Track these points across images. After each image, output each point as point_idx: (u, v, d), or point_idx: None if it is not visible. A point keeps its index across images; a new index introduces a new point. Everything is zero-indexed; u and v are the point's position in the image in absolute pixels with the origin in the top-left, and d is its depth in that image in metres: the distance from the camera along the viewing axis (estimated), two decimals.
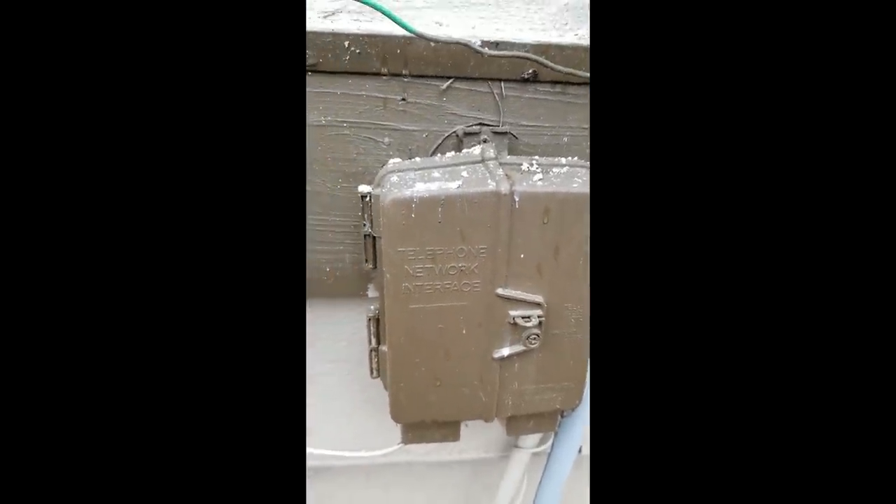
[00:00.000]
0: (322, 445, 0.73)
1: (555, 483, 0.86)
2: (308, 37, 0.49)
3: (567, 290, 0.51)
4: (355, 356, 0.72)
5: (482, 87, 0.53)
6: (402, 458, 0.92)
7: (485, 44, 0.50)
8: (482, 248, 0.48)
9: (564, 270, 0.50)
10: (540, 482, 0.87)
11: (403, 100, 0.53)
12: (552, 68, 0.51)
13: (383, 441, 0.72)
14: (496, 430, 0.90)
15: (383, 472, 0.96)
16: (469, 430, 0.89)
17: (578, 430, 0.80)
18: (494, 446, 0.93)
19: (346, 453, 0.70)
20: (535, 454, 0.89)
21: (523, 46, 0.51)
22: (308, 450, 0.71)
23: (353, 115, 0.53)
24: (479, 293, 0.50)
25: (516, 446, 0.87)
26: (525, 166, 0.50)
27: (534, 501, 0.89)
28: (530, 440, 0.85)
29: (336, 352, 0.71)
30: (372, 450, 0.74)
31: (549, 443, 0.84)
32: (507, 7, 0.54)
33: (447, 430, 0.62)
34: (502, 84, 0.53)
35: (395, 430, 0.64)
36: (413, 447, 0.89)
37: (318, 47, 0.49)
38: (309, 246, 0.59)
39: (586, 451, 0.95)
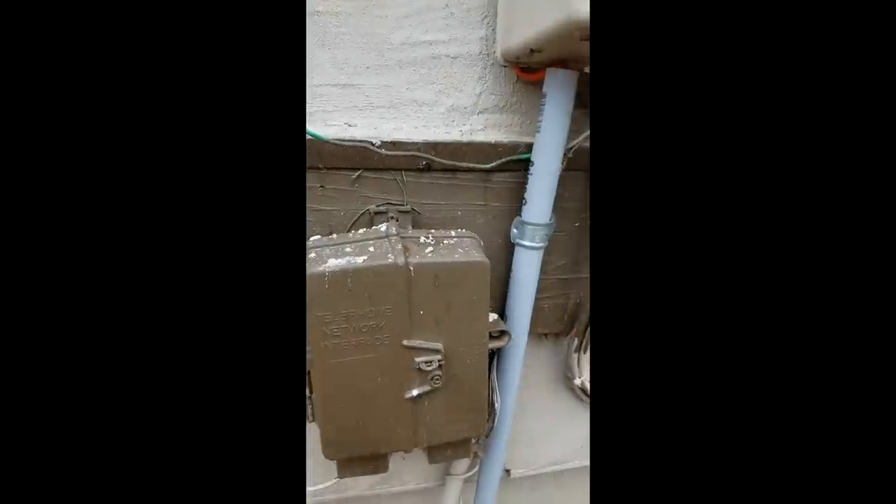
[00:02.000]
0: None
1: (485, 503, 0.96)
2: None
3: (461, 337, 0.63)
4: None
5: (387, 175, 0.66)
6: (351, 493, 0.98)
7: (384, 144, 0.63)
8: (388, 308, 0.59)
9: (457, 321, 0.62)
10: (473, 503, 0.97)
11: (322, 186, 0.65)
12: (441, 162, 0.64)
13: (324, 478, 0.80)
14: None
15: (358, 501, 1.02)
16: (408, 462, 0.97)
17: (501, 455, 0.90)
18: (432, 476, 1.01)
19: None
20: (467, 481, 0.99)
21: (415, 145, 0.64)
22: None
23: None
24: (389, 345, 0.60)
25: (449, 474, 0.96)
26: (422, 239, 0.62)
27: None
28: (460, 467, 0.94)
29: None
30: (314, 486, 0.81)
31: (476, 469, 0.94)
32: (404, 109, 0.67)
33: (376, 462, 0.71)
34: (403, 172, 0.66)
35: (332, 467, 0.72)
36: (358, 484, 0.97)
37: None
38: None
39: (516, 473, 1.05)
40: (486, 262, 0.60)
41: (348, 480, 0.94)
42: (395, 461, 0.96)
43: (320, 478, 0.80)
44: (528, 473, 1.05)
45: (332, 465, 0.71)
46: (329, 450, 0.65)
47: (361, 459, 0.70)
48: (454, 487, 0.96)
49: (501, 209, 0.71)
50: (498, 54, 0.64)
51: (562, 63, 0.60)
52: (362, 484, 0.97)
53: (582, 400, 0.96)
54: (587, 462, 1.09)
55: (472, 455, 0.84)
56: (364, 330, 0.59)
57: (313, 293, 0.56)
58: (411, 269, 0.58)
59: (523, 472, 1.05)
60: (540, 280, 0.72)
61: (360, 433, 0.64)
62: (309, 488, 0.79)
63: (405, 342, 0.60)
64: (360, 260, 0.57)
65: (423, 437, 0.67)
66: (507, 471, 1.04)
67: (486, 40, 0.65)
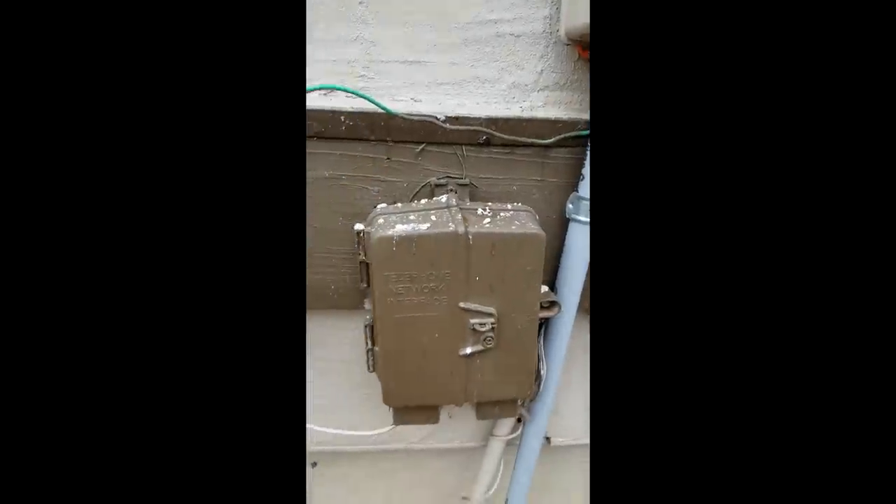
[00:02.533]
0: (326, 427, 0.88)
1: (525, 467, 1.01)
2: (312, 112, 0.66)
3: (513, 303, 0.67)
4: (356, 356, 0.88)
5: (448, 150, 0.70)
6: (400, 445, 1.07)
7: (447, 119, 0.67)
8: (447, 273, 0.64)
9: (510, 289, 0.66)
10: (514, 467, 1.02)
11: (388, 159, 0.70)
12: (501, 137, 0.68)
13: (380, 425, 0.88)
14: (478, 423, 1.06)
15: (384, 457, 1.11)
16: (454, 421, 1.04)
17: (543, 421, 0.95)
18: (477, 437, 1.08)
19: (349, 432, 0.86)
20: (509, 444, 1.04)
21: (478, 120, 0.68)
22: (318, 428, 0.86)
23: (350, 170, 0.70)
24: (446, 306, 0.66)
25: (492, 435, 1.02)
26: (480, 211, 0.66)
27: (510, 483, 1.04)
28: (504, 429, 1.00)
29: (339, 352, 0.87)
30: (372, 430, 0.90)
31: (520, 432, 0.99)
32: (467, 86, 0.70)
33: (428, 413, 0.77)
34: (463, 147, 0.70)
35: (389, 416, 0.80)
36: (409, 436, 1.05)
37: (319, 119, 0.66)
38: (318, 270, 0.75)
39: (556, 441, 1.09)
40: (542, 235, 0.64)
41: (399, 434, 1.02)
42: (441, 420, 1.03)
43: (379, 424, 0.88)
44: (567, 443, 1.09)
45: (388, 414, 0.78)
46: (389, 398, 0.72)
47: (416, 409, 0.76)
48: (496, 448, 1.02)
49: (558, 185, 0.73)
50: (561, 32, 0.66)
51: None
52: (411, 437, 1.05)
53: None
54: None
55: (517, 417, 0.89)
56: (425, 290, 0.65)
57: (382, 254, 0.62)
58: (470, 237, 0.62)
59: (562, 441, 1.09)
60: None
61: (418, 384, 0.71)
62: (366, 433, 0.87)
63: (461, 304, 0.65)
64: (423, 227, 0.62)
65: (473, 393, 0.73)
66: (548, 438, 1.09)
67: (550, 19, 0.67)
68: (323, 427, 0.87)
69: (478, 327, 0.67)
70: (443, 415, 0.99)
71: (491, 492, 1.08)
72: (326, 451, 1.05)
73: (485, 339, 0.67)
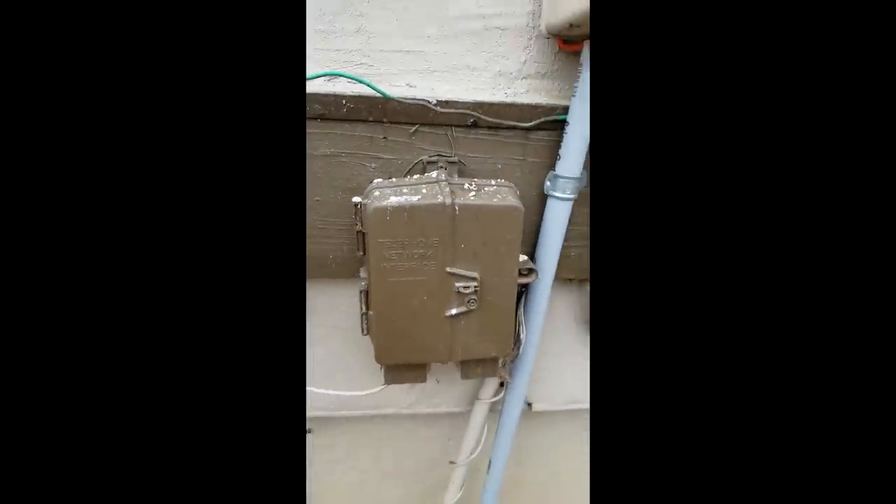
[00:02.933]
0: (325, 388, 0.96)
1: (507, 429, 1.09)
2: (316, 97, 0.73)
3: (494, 269, 0.75)
4: (351, 323, 0.95)
5: (440, 131, 0.77)
6: (390, 410, 1.15)
7: (439, 102, 0.74)
8: (435, 240, 0.71)
9: (492, 256, 0.74)
10: (497, 428, 1.11)
11: (384, 138, 0.77)
12: (486, 120, 0.75)
13: (372, 387, 0.95)
14: (463, 388, 1.14)
15: (373, 424, 1.19)
16: (442, 386, 1.12)
17: (524, 385, 1.03)
18: (462, 402, 1.16)
19: (343, 392, 0.94)
20: (492, 411, 1.12)
21: (467, 104, 0.75)
22: (315, 390, 0.94)
23: (350, 147, 0.77)
24: (434, 271, 0.73)
25: (477, 399, 1.11)
26: (466, 185, 0.74)
27: (493, 445, 1.12)
28: (488, 392, 1.08)
29: (335, 319, 0.95)
30: (364, 391, 0.97)
31: (502, 395, 1.07)
32: (457, 73, 0.77)
33: (416, 372, 0.85)
34: (453, 129, 0.77)
35: (380, 377, 0.87)
36: (399, 401, 1.13)
37: (323, 103, 0.73)
38: (318, 240, 0.82)
39: (537, 407, 1.18)
40: (521, 207, 0.71)
41: (389, 399, 1.10)
42: (430, 385, 1.11)
43: (367, 384, 0.96)
44: (547, 409, 1.18)
45: (380, 377, 0.86)
46: (381, 356, 0.80)
47: (406, 368, 0.84)
48: (481, 411, 1.11)
49: (538, 164, 0.81)
50: (542, 27, 0.73)
51: None
52: (401, 403, 1.13)
53: None
54: None
55: (499, 378, 0.97)
56: (415, 256, 0.72)
57: (377, 223, 0.69)
58: (456, 208, 0.70)
59: (543, 407, 1.17)
60: (568, 230, 0.83)
61: (407, 343, 0.78)
62: (359, 392, 0.95)
63: (448, 269, 0.73)
64: (415, 199, 0.70)
65: (458, 352, 0.81)
66: (529, 404, 1.17)
67: (533, 14, 0.74)
68: (321, 389, 0.95)
69: (462, 290, 0.74)
70: (430, 380, 1.07)
71: (474, 455, 1.16)
72: (319, 417, 1.13)
73: (468, 301, 0.75)
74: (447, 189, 0.71)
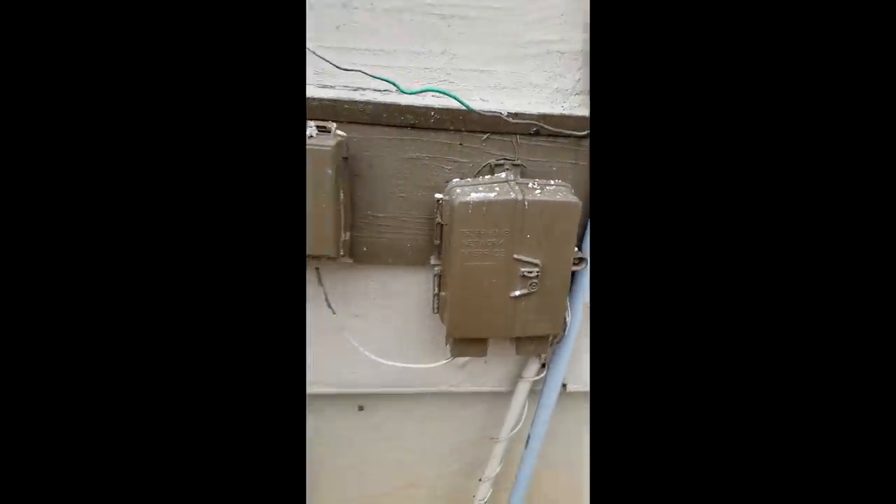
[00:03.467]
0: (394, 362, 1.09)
1: (546, 406, 1.22)
2: (410, 108, 0.86)
3: (553, 257, 0.88)
4: (418, 304, 1.08)
5: (506, 138, 0.91)
6: (443, 387, 1.27)
7: (510, 114, 0.88)
8: (506, 230, 0.85)
9: (552, 245, 0.87)
10: (537, 405, 1.24)
11: (461, 144, 0.91)
12: (547, 129, 0.89)
13: (434, 361, 1.08)
14: (506, 370, 1.26)
15: (423, 401, 1.32)
16: (489, 366, 1.25)
17: (563, 365, 1.16)
18: (505, 382, 1.29)
19: (411, 365, 1.06)
20: (531, 392, 1.25)
21: (531, 116, 0.89)
22: (386, 362, 1.07)
23: (432, 152, 0.90)
24: (503, 257, 0.87)
25: (521, 378, 1.23)
26: (531, 184, 0.87)
27: (532, 420, 1.25)
28: (531, 372, 1.21)
29: (405, 301, 1.08)
30: (433, 363, 1.10)
31: (543, 375, 1.20)
32: (523, 90, 0.91)
33: (479, 346, 0.98)
34: (518, 137, 0.91)
35: (440, 355, 1.00)
36: (450, 379, 1.25)
37: (415, 114, 0.87)
38: (399, 231, 0.96)
39: (571, 388, 1.30)
40: (579, 203, 0.85)
41: (442, 377, 1.23)
42: (478, 366, 1.24)
43: (431, 362, 1.09)
44: (580, 389, 1.31)
45: (438, 355, 0.98)
46: (453, 330, 0.93)
47: (471, 342, 0.97)
48: (523, 389, 1.23)
49: (586, 167, 0.95)
50: None
51: None
52: (451, 381, 1.26)
53: None
54: None
55: (546, 357, 1.10)
56: (488, 244, 0.86)
57: (461, 215, 0.83)
58: (526, 203, 0.83)
59: (577, 388, 1.30)
60: None
61: (476, 319, 0.91)
62: (428, 365, 1.07)
63: (515, 255, 0.87)
64: (491, 195, 0.83)
65: (518, 329, 0.94)
66: (564, 385, 1.30)
67: (585, 42, 0.88)
68: (390, 361, 1.07)
69: (526, 274, 0.88)
70: (479, 361, 1.20)
71: (515, 430, 1.28)
72: (370, 394, 1.25)
73: (530, 284, 0.89)
74: (517, 187, 0.85)
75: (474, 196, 0.83)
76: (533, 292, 0.89)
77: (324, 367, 1.13)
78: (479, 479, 1.40)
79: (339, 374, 1.15)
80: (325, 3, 0.81)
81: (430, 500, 1.59)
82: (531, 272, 0.87)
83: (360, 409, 1.34)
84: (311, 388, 1.15)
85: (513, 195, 0.83)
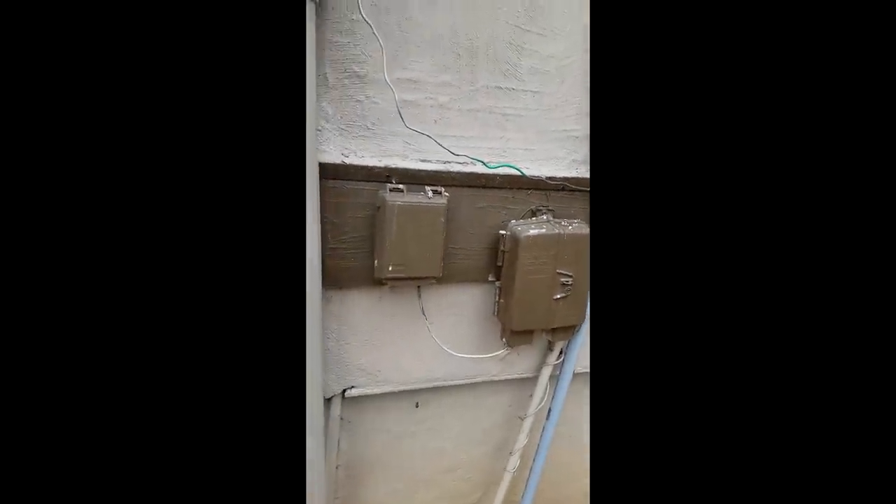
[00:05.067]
0: (463, 354, 1.46)
1: (564, 385, 1.64)
2: (486, 175, 1.27)
3: (579, 269, 1.32)
4: (480, 311, 1.46)
5: (542, 192, 1.35)
6: (481, 379, 1.64)
7: (547, 178, 1.33)
8: (552, 253, 1.28)
9: (579, 262, 1.31)
10: (556, 385, 1.65)
11: (513, 197, 1.33)
12: (569, 186, 1.35)
13: (494, 349, 1.46)
14: (531, 360, 1.66)
15: (467, 390, 1.68)
16: (520, 358, 1.65)
17: (576, 351, 1.59)
18: (530, 369, 1.69)
19: (474, 355, 1.44)
20: (551, 377, 1.66)
21: (559, 178, 1.34)
22: (456, 354, 1.43)
23: (494, 203, 1.32)
24: (549, 271, 1.29)
25: (545, 364, 1.64)
26: (563, 223, 1.32)
27: (553, 396, 1.66)
28: (552, 358, 1.62)
29: (465, 309, 1.46)
30: (492, 353, 1.48)
31: (561, 360, 1.62)
32: (554, 161, 1.36)
33: (527, 336, 1.39)
34: (550, 192, 1.35)
35: (494, 348, 1.39)
36: (491, 370, 1.63)
37: (487, 178, 1.28)
38: (468, 256, 1.35)
39: (577, 369, 1.73)
40: None
41: (482, 369, 1.60)
42: (510, 357, 1.63)
43: (491, 352, 1.47)
44: (585, 370, 1.74)
45: (489, 350, 1.37)
46: (515, 325, 1.33)
47: (522, 334, 1.38)
48: (546, 373, 1.64)
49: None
50: None
51: None
52: (490, 371, 1.64)
53: None
54: None
55: (561, 347, 1.52)
56: (539, 263, 1.28)
57: (524, 244, 1.24)
58: (564, 235, 1.27)
59: (582, 369, 1.74)
60: None
61: (530, 315, 1.32)
62: (485, 355, 1.46)
63: (558, 270, 1.29)
64: (543, 230, 1.26)
65: (556, 321, 1.35)
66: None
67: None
68: (461, 354, 1.44)
69: (564, 282, 1.31)
70: (513, 354, 1.59)
71: (539, 407, 1.68)
72: (423, 389, 1.59)
73: (567, 289, 1.31)
74: (556, 225, 1.29)
75: (532, 231, 1.25)
76: (568, 294, 1.32)
77: (391, 366, 1.47)
78: (510, 453, 1.77)
79: (407, 372, 1.50)
80: (429, 104, 1.21)
81: (465, 480, 1.92)
82: (567, 281, 1.31)
83: (417, 405, 1.67)
84: (379, 388, 1.48)
85: (557, 230, 1.27)
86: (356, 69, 1.10)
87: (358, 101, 1.13)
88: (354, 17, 1.06)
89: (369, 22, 1.05)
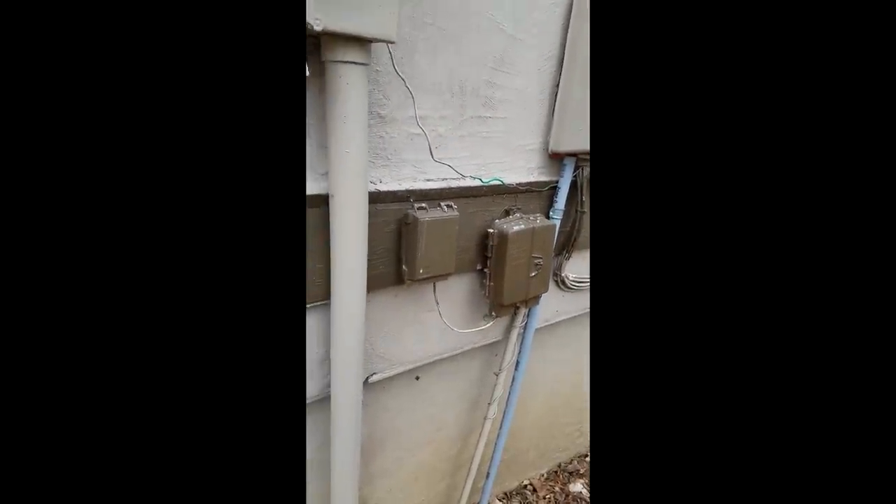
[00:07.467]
0: (461, 329, 1.80)
1: (529, 340, 2.09)
2: (477, 188, 1.60)
3: (545, 252, 1.74)
4: (470, 293, 1.81)
5: (512, 195, 1.72)
6: (468, 347, 2.00)
7: (517, 184, 1.70)
8: (528, 243, 1.67)
9: (545, 247, 1.72)
10: (521, 343, 2.09)
11: (493, 201, 1.68)
12: (531, 189, 1.75)
13: (479, 323, 1.83)
14: (501, 326, 2.07)
15: (448, 360, 2.03)
16: (493, 325, 2.04)
17: (536, 316, 2.04)
18: (501, 333, 2.10)
19: (467, 329, 1.79)
20: (519, 333, 2.10)
21: (523, 183, 1.72)
22: (456, 329, 1.77)
23: (480, 207, 1.65)
24: (526, 256, 1.68)
25: (513, 326, 2.06)
26: (531, 217, 1.71)
27: (520, 352, 2.10)
28: (519, 322, 2.05)
29: (456, 293, 1.79)
30: (478, 327, 1.84)
31: (525, 323, 2.06)
32: (514, 171, 1.74)
33: (508, 308, 1.78)
34: (518, 194, 1.73)
35: (481, 322, 1.76)
36: (473, 339, 2.00)
37: (476, 188, 1.61)
38: (463, 251, 1.68)
39: (537, 326, 2.19)
40: (556, 225, 1.72)
41: (465, 340, 1.97)
42: (487, 326, 2.02)
43: (480, 323, 1.84)
44: (539, 326, 2.21)
45: (474, 324, 1.75)
46: (505, 299, 1.71)
47: (505, 307, 1.77)
48: (515, 334, 2.07)
49: (545, 205, 1.83)
50: (549, 149, 1.76)
51: (571, 155, 1.74)
52: (473, 340, 2.01)
53: (560, 287, 2.16)
54: (564, 317, 2.30)
55: (527, 310, 1.96)
56: (521, 251, 1.66)
57: (512, 238, 1.61)
58: (535, 229, 1.67)
59: (541, 325, 2.20)
60: (558, 233, 1.87)
61: (513, 291, 1.71)
62: (475, 328, 1.82)
63: (532, 254, 1.69)
64: (522, 226, 1.64)
65: (530, 293, 1.77)
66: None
67: (545, 143, 1.76)
68: (458, 329, 1.78)
69: (537, 263, 1.72)
70: (487, 321, 1.98)
71: (509, 361, 2.12)
72: (423, 365, 1.92)
73: (538, 267, 1.73)
74: (528, 221, 1.68)
75: (515, 228, 1.63)
76: (538, 272, 1.74)
77: (401, 350, 1.77)
78: (489, 403, 2.19)
79: (412, 352, 1.80)
80: (432, 134, 1.48)
81: (454, 436, 2.30)
82: (539, 262, 1.72)
83: (417, 378, 1.98)
84: (393, 370, 1.77)
85: (531, 225, 1.66)
86: (379, 111, 1.33)
87: (381, 137, 1.36)
88: (378, 69, 1.28)
89: (402, 76, 1.28)
